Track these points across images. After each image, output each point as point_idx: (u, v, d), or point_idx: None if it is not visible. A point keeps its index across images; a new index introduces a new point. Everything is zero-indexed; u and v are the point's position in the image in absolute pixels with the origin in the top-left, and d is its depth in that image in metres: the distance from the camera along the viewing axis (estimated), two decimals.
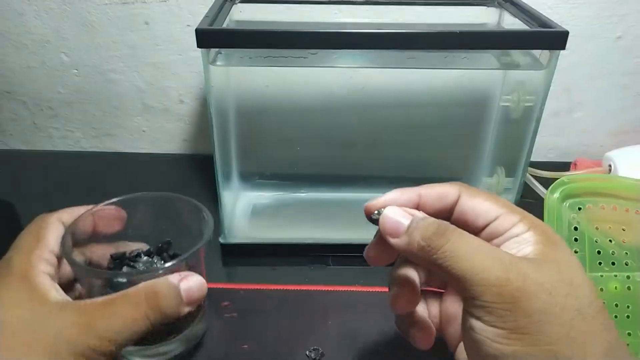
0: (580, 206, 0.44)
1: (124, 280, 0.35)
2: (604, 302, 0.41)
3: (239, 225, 0.60)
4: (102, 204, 0.40)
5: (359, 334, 0.46)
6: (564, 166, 0.70)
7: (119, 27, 0.67)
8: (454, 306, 0.33)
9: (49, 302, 0.31)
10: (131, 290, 0.33)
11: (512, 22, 0.54)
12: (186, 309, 0.34)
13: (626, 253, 0.43)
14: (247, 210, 0.63)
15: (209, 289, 0.50)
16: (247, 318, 0.48)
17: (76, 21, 0.67)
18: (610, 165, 0.63)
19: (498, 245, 0.27)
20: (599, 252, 0.43)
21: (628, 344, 0.41)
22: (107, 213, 0.40)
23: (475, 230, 0.28)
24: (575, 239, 0.42)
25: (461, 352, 0.30)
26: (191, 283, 0.35)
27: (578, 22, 0.66)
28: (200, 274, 0.37)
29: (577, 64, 0.68)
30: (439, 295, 0.35)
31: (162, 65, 0.70)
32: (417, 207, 0.29)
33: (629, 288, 0.42)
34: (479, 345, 0.24)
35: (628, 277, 0.42)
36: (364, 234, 0.55)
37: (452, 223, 0.26)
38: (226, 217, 0.55)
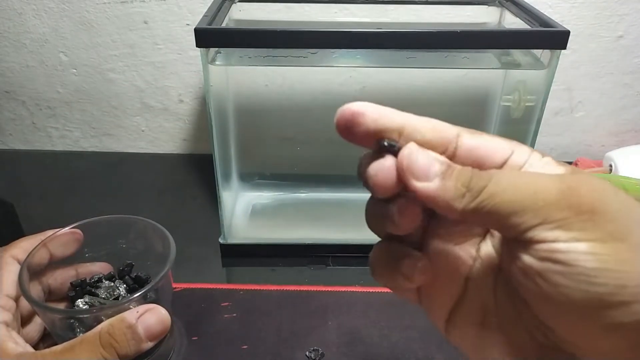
0: None
1: (86, 315, 0.35)
2: None
3: (239, 225, 0.60)
4: (56, 232, 0.40)
5: (359, 334, 0.46)
6: None
7: (118, 26, 0.67)
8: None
9: (4, 354, 0.31)
10: (88, 334, 0.33)
11: (513, 22, 0.54)
12: (148, 345, 0.34)
13: None
14: (246, 210, 0.62)
15: (209, 290, 0.50)
16: (247, 318, 0.47)
17: (75, 20, 0.67)
18: (611, 165, 0.63)
19: None
20: None
21: None
22: (62, 238, 0.40)
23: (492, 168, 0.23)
24: None
25: (456, 328, 0.24)
26: (151, 320, 0.34)
27: (579, 21, 0.65)
28: (169, 293, 0.37)
29: (578, 63, 0.68)
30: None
31: (161, 65, 0.70)
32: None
33: None
34: (565, 272, 0.19)
35: None
36: (364, 234, 0.55)
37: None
38: (226, 217, 0.55)
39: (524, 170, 0.22)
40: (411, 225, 0.22)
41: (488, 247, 0.24)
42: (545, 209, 0.19)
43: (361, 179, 0.22)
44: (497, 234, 0.24)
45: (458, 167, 0.21)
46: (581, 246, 0.19)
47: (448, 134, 0.22)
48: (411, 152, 0.21)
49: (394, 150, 0.22)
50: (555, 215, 0.19)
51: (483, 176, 0.20)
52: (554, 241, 0.19)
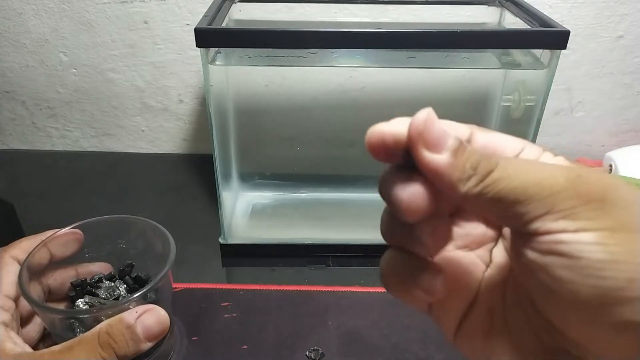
0: None
1: (86, 315, 0.35)
2: None
3: (239, 225, 0.60)
4: (56, 232, 0.40)
5: (359, 334, 0.46)
6: None
7: (118, 26, 0.67)
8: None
9: (3, 355, 0.31)
10: (87, 335, 0.33)
11: (513, 22, 0.54)
12: (147, 346, 0.34)
13: None
14: (246, 210, 0.62)
15: (209, 290, 0.50)
16: (247, 318, 0.47)
17: (75, 20, 0.67)
18: (611, 165, 0.63)
19: None
20: None
21: None
22: (62, 238, 0.40)
23: None
24: None
25: (465, 335, 0.24)
26: (150, 320, 0.34)
27: (579, 21, 0.65)
28: (169, 293, 0.37)
29: (578, 63, 0.68)
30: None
31: (161, 65, 0.70)
32: None
33: None
34: (570, 265, 0.17)
35: None
36: (364, 234, 0.55)
37: None
38: (226, 217, 0.55)
39: None
40: (442, 247, 0.21)
41: (500, 250, 0.24)
42: (552, 197, 0.18)
43: (385, 199, 0.20)
44: (509, 235, 0.23)
45: (469, 146, 0.19)
46: (588, 236, 0.17)
47: (462, 133, 0.22)
48: (429, 118, 0.19)
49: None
50: (562, 204, 0.18)
51: (491, 160, 0.19)
52: (559, 232, 0.18)
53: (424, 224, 0.20)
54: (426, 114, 0.19)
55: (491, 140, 0.22)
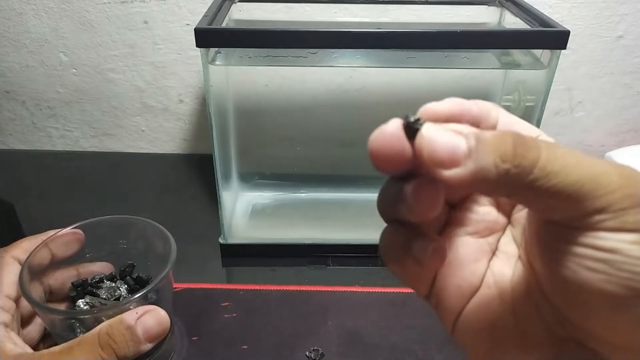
0: None
1: (87, 315, 0.36)
2: None
3: (239, 225, 0.60)
4: (57, 232, 0.40)
5: (359, 334, 0.46)
6: None
7: (118, 26, 0.67)
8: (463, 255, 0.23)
9: (3, 355, 0.31)
10: (87, 335, 0.33)
11: (513, 22, 0.54)
12: (147, 347, 0.34)
13: None
14: (246, 210, 0.62)
15: (209, 290, 0.50)
16: (247, 318, 0.47)
17: (75, 20, 0.67)
18: None
19: None
20: None
21: None
22: (63, 238, 0.40)
23: None
24: None
25: (466, 325, 0.23)
26: (150, 321, 0.34)
27: (579, 21, 0.65)
28: (170, 293, 0.37)
29: (578, 63, 0.68)
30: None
31: (161, 65, 0.70)
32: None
33: None
34: (606, 258, 0.17)
35: None
36: (364, 234, 0.55)
37: None
38: (226, 217, 0.55)
39: None
40: (429, 211, 0.19)
41: (508, 238, 0.23)
42: (607, 197, 0.17)
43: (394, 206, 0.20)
44: (518, 222, 0.23)
45: (489, 135, 0.17)
46: (630, 236, 0.17)
47: (492, 117, 0.21)
48: (429, 136, 0.17)
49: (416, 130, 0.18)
50: (617, 204, 0.17)
51: (529, 145, 0.17)
52: (606, 230, 0.17)
53: (408, 183, 0.19)
54: (426, 134, 0.18)
55: (514, 123, 0.21)
